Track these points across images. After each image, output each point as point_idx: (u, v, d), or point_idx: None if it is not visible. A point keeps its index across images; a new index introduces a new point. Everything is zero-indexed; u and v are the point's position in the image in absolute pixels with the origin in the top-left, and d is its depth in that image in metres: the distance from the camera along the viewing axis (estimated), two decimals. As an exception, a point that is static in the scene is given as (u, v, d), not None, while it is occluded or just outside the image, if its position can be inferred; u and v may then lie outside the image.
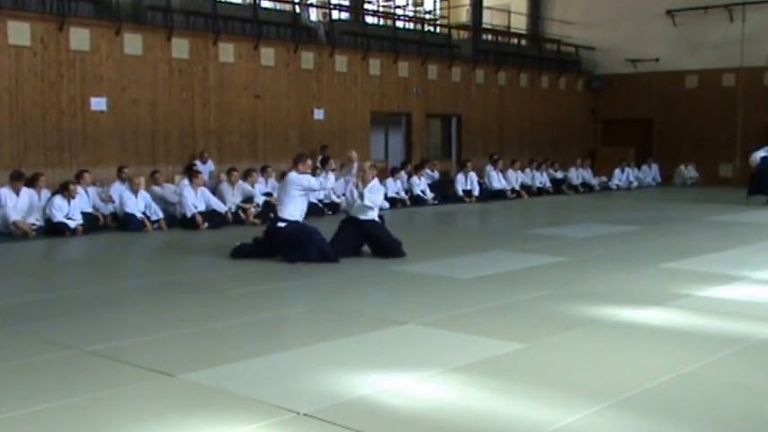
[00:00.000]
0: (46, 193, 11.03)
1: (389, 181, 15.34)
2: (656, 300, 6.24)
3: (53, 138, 12.55)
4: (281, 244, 8.17)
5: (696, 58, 21.72)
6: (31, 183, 11.05)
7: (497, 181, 17.47)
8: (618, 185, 20.47)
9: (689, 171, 21.51)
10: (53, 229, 10.47)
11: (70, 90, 12.71)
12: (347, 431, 3.48)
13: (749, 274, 7.45)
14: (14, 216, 10.37)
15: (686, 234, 10.96)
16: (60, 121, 12.62)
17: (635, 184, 20.85)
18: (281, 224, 8.21)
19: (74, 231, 10.52)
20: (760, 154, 15.71)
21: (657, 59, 22.32)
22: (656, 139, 22.79)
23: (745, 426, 3.62)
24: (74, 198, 10.73)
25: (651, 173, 21.83)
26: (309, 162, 8.66)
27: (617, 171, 20.58)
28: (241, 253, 8.43)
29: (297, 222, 8.26)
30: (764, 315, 5.80)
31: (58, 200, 10.62)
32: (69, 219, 10.61)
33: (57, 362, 4.59)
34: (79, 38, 12.77)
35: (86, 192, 11.44)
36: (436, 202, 15.78)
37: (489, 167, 17.54)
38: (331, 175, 8.86)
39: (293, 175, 8.36)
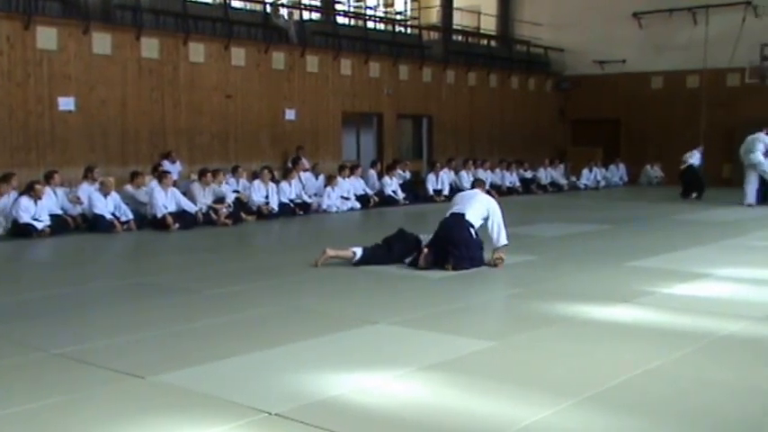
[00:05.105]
0: (13, 194, 10.86)
1: (352, 179, 15.00)
2: (623, 297, 6.34)
3: (20, 138, 12.37)
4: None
5: (661, 59, 22.05)
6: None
7: (467, 180, 17.59)
8: (586, 185, 20.74)
9: (654, 171, 21.86)
10: (19, 231, 10.31)
11: (37, 90, 12.55)
12: (319, 431, 3.51)
13: (713, 271, 7.60)
14: None
15: (652, 233, 11.13)
16: (27, 121, 12.45)
17: (602, 183, 21.14)
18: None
19: (41, 233, 10.38)
20: (692, 160, 17.20)
21: (624, 61, 22.63)
22: (623, 139, 23.11)
23: (709, 420, 3.70)
24: (40, 198, 10.58)
25: (618, 172, 22.15)
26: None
27: (585, 171, 20.88)
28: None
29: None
30: (728, 311, 5.92)
31: (25, 200, 10.46)
32: (36, 220, 10.46)
33: (24, 365, 4.54)
34: (46, 37, 12.61)
35: (55, 193, 11.29)
36: (407, 201, 15.84)
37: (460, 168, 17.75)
38: None
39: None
